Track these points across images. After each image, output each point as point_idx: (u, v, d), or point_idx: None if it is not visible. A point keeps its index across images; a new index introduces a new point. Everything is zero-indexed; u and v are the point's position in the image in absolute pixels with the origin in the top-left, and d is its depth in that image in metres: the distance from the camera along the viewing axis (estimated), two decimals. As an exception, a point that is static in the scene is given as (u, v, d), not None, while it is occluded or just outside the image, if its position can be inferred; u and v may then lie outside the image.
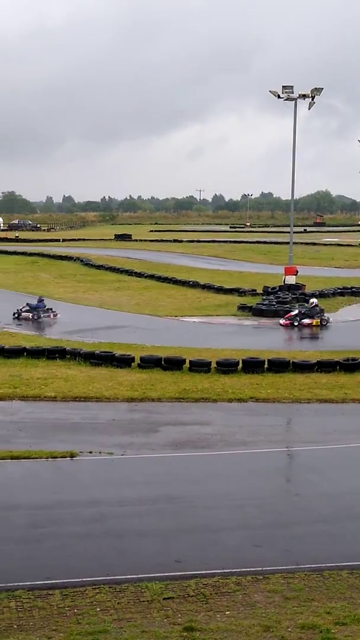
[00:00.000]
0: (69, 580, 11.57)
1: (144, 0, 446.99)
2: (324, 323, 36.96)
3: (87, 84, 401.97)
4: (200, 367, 25.58)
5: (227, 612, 10.73)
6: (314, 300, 38.58)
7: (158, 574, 11.81)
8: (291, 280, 46.66)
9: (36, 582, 11.46)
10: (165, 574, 11.83)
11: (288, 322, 36.91)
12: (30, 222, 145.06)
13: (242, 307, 41.10)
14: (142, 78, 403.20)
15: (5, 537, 13.16)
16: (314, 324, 36.72)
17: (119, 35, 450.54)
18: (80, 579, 11.58)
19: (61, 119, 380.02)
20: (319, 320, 36.88)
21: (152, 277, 56.37)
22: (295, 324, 36.75)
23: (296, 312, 37.57)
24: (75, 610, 10.71)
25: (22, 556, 12.47)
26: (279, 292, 45.13)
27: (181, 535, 13.53)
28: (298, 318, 36.90)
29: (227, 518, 14.35)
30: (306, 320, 36.70)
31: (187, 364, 25.79)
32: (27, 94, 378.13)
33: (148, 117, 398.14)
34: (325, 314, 37.96)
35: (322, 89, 46.92)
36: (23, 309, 38.06)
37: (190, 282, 52.24)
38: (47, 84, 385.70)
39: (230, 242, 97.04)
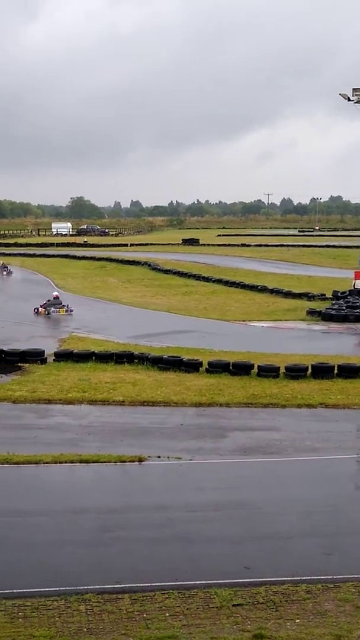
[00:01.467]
0: (138, 584, 11.58)
1: (215, 7, 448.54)
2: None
3: (157, 90, 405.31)
4: (268, 372, 25.41)
5: (297, 620, 10.61)
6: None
7: (227, 580, 11.74)
8: (362, 284, 46.20)
9: (106, 586, 11.51)
10: (234, 580, 11.76)
11: None
12: (98, 227, 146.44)
13: (311, 312, 40.77)
14: (212, 83, 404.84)
15: (75, 541, 13.25)
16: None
17: (189, 42, 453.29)
18: (149, 584, 11.59)
19: (131, 125, 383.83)
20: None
21: (219, 281, 56.30)
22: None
23: None
24: (145, 615, 10.72)
25: (92, 560, 12.52)
26: (348, 297, 44.69)
27: (250, 541, 13.43)
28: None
29: (297, 525, 14.20)
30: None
31: (255, 369, 25.66)
32: (97, 101, 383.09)
33: (217, 122, 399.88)
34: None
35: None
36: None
37: (259, 287, 52.07)
38: (118, 92, 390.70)
39: (299, 246, 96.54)
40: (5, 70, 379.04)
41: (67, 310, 41.42)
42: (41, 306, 41.20)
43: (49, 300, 41.72)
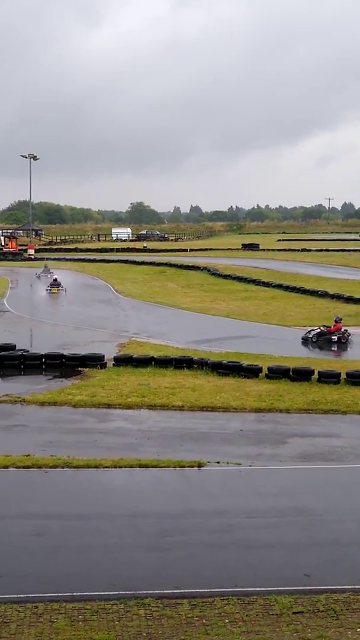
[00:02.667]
0: (198, 590, 11.57)
1: (278, 12, 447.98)
2: None
3: (218, 95, 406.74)
4: (329, 378, 25.20)
5: (358, 630, 10.50)
6: None
7: (287, 588, 11.67)
8: None
9: (165, 591, 11.53)
10: (294, 588, 11.68)
11: None
12: (158, 232, 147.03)
13: (372, 317, 40.30)
14: (273, 88, 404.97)
15: (134, 545, 13.30)
16: None
17: (250, 47, 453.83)
18: (208, 590, 11.57)
19: (192, 131, 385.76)
20: None
21: (279, 286, 56.06)
22: None
23: None
24: (204, 621, 10.71)
25: (151, 564, 12.55)
26: None
27: (310, 548, 13.30)
28: None
29: (358, 533, 14.04)
30: None
31: (315, 375, 25.47)
32: (159, 107, 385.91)
33: (278, 127, 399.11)
34: None
35: None
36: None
37: (319, 292, 51.69)
38: (179, 98, 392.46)
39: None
40: (69, 78, 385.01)
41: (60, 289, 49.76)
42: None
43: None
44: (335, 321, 34.97)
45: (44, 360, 28.07)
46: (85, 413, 21.90)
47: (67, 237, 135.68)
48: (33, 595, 11.35)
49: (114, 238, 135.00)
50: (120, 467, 17.09)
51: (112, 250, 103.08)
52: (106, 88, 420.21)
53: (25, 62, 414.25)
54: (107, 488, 16.27)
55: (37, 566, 12.42)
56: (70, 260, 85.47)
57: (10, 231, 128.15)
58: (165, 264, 74.68)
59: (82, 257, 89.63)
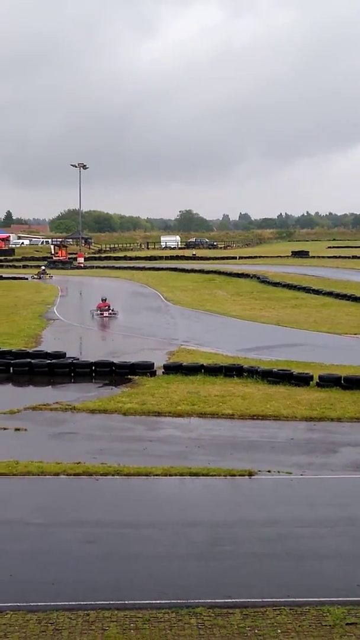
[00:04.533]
0: (250, 600, 11.48)
1: (329, 16, 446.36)
2: None
3: (268, 103, 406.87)
4: (381, 386, 24.89)
5: None
6: None
7: (340, 598, 11.53)
8: None
9: (216, 600, 11.46)
10: (348, 599, 11.53)
11: None
12: (207, 240, 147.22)
13: None
14: (324, 95, 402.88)
15: (185, 554, 13.26)
16: None
17: (301, 54, 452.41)
18: (260, 599, 11.48)
19: (241, 138, 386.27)
20: None
21: (330, 294, 55.62)
22: None
23: None
24: (256, 631, 10.62)
25: (202, 573, 12.49)
26: None
27: (363, 559, 13.14)
28: None
29: None
30: None
31: (367, 383, 25.19)
32: (209, 115, 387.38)
33: (327, 133, 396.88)
34: None
35: None
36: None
37: (371, 299, 51.18)
38: (230, 105, 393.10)
39: None
40: (120, 88, 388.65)
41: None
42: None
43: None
44: None
45: (93, 368, 28.21)
46: (135, 421, 21.94)
47: (116, 246, 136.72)
48: (85, 602, 11.38)
49: (163, 246, 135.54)
50: (170, 475, 17.06)
51: (161, 258, 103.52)
52: (156, 97, 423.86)
53: (77, 72, 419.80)
54: (157, 496, 16.26)
55: (88, 574, 12.45)
56: (120, 268, 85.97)
57: (60, 240, 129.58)
58: (215, 272, 74.64)
59: (131, 265, 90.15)
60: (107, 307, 46.36)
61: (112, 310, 46.18)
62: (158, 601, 11.43)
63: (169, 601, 11.42)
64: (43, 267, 79.59)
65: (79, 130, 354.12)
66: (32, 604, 11.35)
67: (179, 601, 11.41)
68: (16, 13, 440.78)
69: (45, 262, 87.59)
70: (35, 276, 70.57)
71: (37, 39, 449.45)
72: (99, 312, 46.03)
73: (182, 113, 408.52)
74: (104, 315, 45.63)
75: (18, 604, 11.33)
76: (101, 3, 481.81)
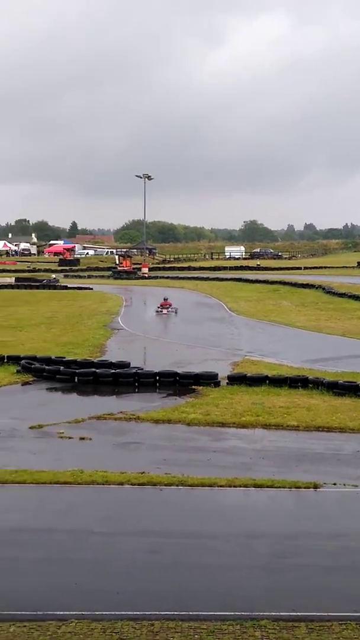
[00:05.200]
0: (315, 613, 11.33)
1: None
2: None
3: (334, 113, 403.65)
4: None
5: None
6: None
7: None
8: None
9: (281, 613, 11.34)
10: None
11: None
12: (271, 251, 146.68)
13: None
14: None
15: (250, 565, 13.16)
16: None
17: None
18: (326, 613, 11.33)
19: (307, 149, 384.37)
20: None
21: None
22: None
23: None
24: (322, 646, 10.49)
25: (267, 586, 12.39)
26: None
27: None
28: None
29: None
30: None
31: None
32: (274, 126, 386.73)
33: None
34: None
35: None
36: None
37: None
38: (296, 116, 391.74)
39: None
40: (188, 97, 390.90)
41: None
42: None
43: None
44: None
45: (157, 378, 28.29)
46: (199, 431, 21.92)
47: (180, 256, 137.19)
48: (149, 612, 11.38)
49: (227, 256, 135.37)
50: (234, 486, 16.97)
51: (225, 268, 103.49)
52: (222, 108, 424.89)
53: (144, 83, 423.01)
54: (221, 507, 16.21)
55: (153, 583, 12.45)
56: (184, 278, 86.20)
57: (125, 250, 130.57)
58: (279, 282, 74.24)
59: (195, 275, 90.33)
60: (168, 305, 54.06)
61: (171, 307, 53.94)
62: (222, 613, 11.36)
63: (233, 613, 11.34)
64: (54, 277, 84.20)
65: (144, 141, 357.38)
66: (96, 612, 11.40)
67: (243, 613, 11.32)
68: (87, 25, 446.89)
69: (53, 277, 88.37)
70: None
71: (106, 51, 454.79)
72: (160, 309, 53.92)
73: (247, 123, 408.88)
74: (164, 312, 53.29)
75: (83, 613, 11.38)
76: (168, 16, 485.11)
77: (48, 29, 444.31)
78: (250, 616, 11.24)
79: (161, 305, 54.35)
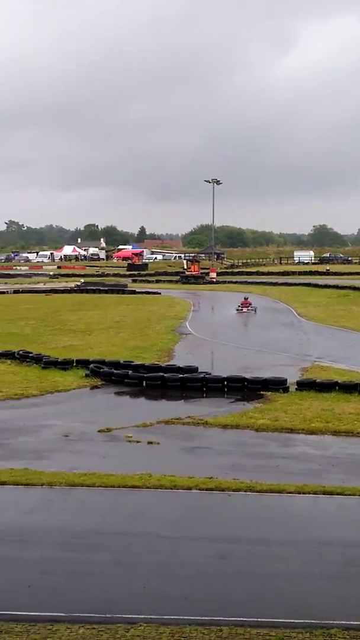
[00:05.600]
0: (387, 624, 11.17)
1: None
2: None
3: None
4: None
5: None
6: None
7: None
8: None
9: (351, 622, 11.20)
10: None
11: None
12: (341, 255, 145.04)
13: None
14: None
15: (319, 573, 13.02)
16: None
17: None
18: None
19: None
20: None
21: None
22: None
23: None
24: (393, 657, 10.32)
25: (337, 594, 12.25)
26: None
27: None
28: None
29: None
30: None
31: None
32: (345, 129, 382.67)
33: None
34: None
35: None
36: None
37: None
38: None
39: None
40: (258, 102, 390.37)
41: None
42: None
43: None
44: None
45: (225, 383, 28.23)
46: (268, 437, 21.80)
47: (248, 261, 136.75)
48: (217, 618, 11.35)
49: (296, 261, 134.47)
50: (303, 493, 16.82)
51: (294, 273, 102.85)
52: (292, 112, 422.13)
53: (214, 88, 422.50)
54: (290, 514, 16.09)
55: (221, 589, 12.42)
56: (252, 283, 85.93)
57: (193, 255, 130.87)
58: (349, 287, 73.41)
59: (264, 280, 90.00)
60: (248, 305, 56.58)
61: (251, 306, 56.37)
62: (292, 620, 11.27)
63: (302, 621, 11.24)
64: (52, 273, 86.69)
65: (214, 147, 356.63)
66: (165, 616, 11.43)
67: (313, 621, 11.21)
68: (161, 29, 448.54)
69: (81, 281, 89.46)
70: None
71: (178, 56, 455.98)
72: (240, 308, 56.29)
73: (317, 127, 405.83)
74: (244, 310, 55.71)
75: (151, 617, 11.41)
76: (238, 22, 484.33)
77: (119, 35, 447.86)
78: (320, 624, 11.12)
79: (241, 304, 57.32)
